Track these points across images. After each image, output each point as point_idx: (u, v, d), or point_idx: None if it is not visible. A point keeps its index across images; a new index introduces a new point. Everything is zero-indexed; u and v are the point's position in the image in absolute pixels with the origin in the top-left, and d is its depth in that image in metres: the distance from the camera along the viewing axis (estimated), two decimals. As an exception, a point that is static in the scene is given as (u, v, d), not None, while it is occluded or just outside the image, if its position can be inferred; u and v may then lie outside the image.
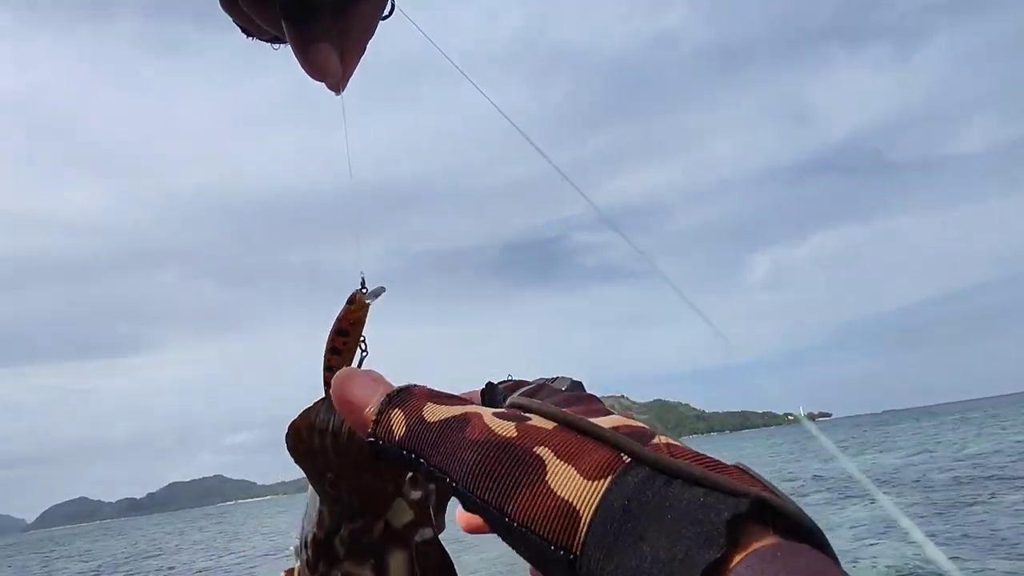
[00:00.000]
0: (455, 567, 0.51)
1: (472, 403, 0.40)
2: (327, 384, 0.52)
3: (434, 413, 0.40)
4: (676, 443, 0.38)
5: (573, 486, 0.38)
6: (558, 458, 0.38)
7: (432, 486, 0.51)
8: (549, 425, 0.38)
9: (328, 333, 0.53)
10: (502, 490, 0.38)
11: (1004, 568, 7.60)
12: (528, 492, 0.38)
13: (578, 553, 0.38)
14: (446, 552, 0.51)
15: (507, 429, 0.39)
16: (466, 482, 0.39)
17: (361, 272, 0.54)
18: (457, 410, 0.39)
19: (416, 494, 0.50)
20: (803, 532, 0.38)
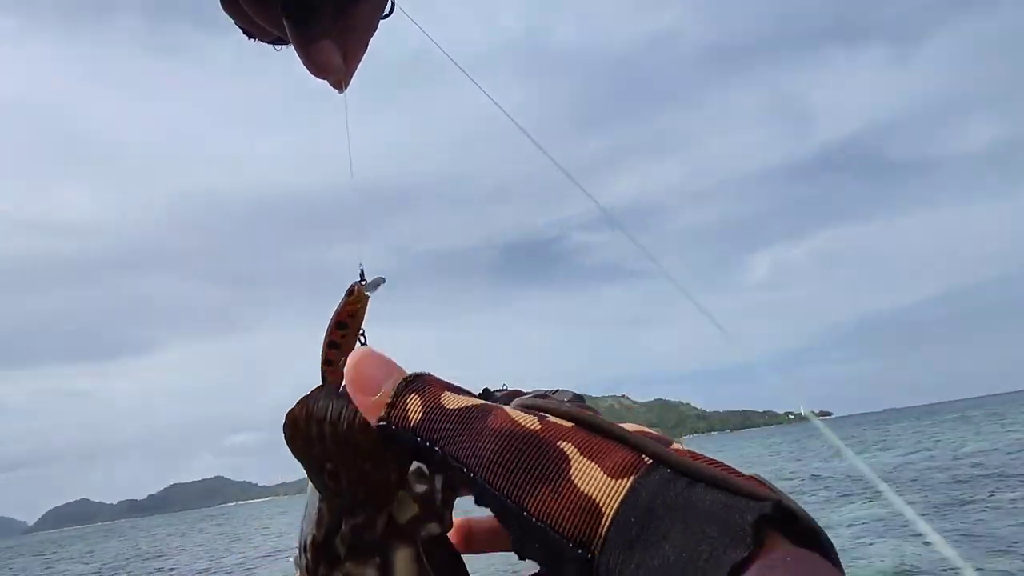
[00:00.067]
0: (466, 566, 0.48)
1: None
2: (324, 379, 0.52)
3: (452, 401, 0.39)
4: (695, 451, 0.38)
5: (597, 482, 0.38)
6: (581, 454, 0.38)
7: (438, 482, 0.49)
8: (568, 424, 0.38)
9: (327, 326, 0.52)
10: (523, 483, 0.38)
11: (1004, 566, 7.60)
12: (550, 486, 0.38)
13: (597, 551, 0.38)
14: (455, 549, 0.49)
15: (531, 422, 0.38)
16: (485, 473, 0.38)
17: (360, 264, 0.53)
18: (476, 401, 0.39)
19: (421, 488, 0.47)
20: (813, 540, 0.38)
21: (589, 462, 0.38)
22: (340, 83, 0.56)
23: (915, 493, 13.64)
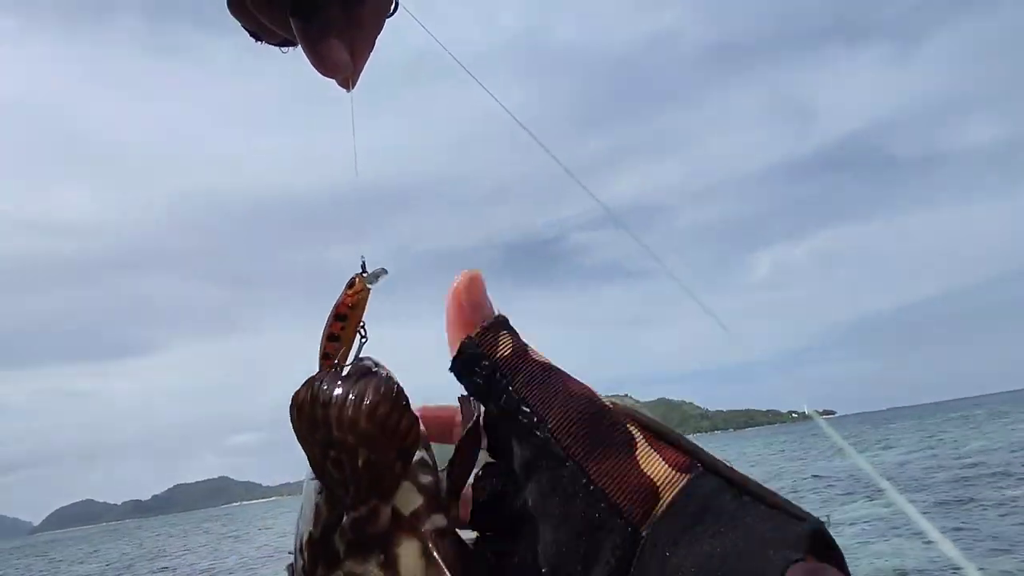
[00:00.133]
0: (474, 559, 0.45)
1: None
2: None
3: (538, 354, 0.42)
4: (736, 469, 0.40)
5: (659, 470, 0.39)
6: (645, 441, 0.40)
7: (443, 472, 0.46)
8: (625, 415, 0.41)
9: (326, 318, 0.51)
10: (592, 448, 0.40)
11: (1007, 565, 7.58)
12: (616, 459, 0.39)
13: (646, 531, 0.38)
14: (464, 543, 0.46)
15: (605, 400, 0.41)
16: (556, 426, 0.40)
17: (362, 256, 0.52)
18: (554, 363, 0.42)
19: (426, 478, 0.45)
20: (843, 568, 0.39)
21: (651, 450, 0.40)
22: (348, 81, 0.55)
23: (917, 492, 13.61)
